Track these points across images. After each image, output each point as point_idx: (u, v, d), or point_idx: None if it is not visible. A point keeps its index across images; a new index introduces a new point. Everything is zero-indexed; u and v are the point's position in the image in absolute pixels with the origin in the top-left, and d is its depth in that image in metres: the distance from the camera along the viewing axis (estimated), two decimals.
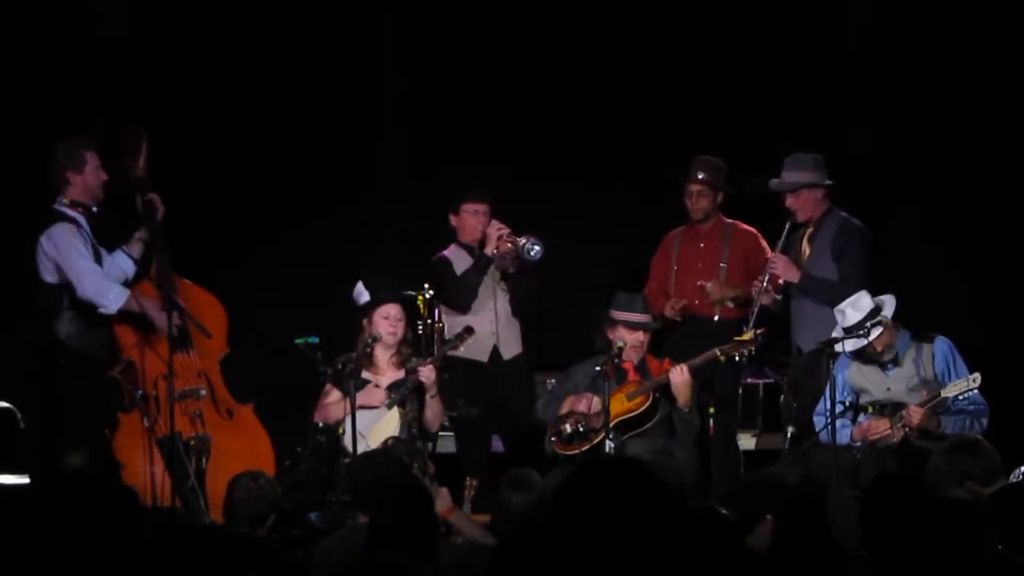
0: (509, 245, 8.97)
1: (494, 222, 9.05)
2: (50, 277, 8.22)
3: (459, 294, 9.11)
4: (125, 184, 8.52)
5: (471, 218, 9.16)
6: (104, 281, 8.24)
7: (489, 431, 9.26)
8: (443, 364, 8.76)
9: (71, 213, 8.26)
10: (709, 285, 9.13)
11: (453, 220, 9.23)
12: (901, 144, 10.04)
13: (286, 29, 10.35)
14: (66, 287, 8.21)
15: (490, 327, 9.13)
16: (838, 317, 8.32)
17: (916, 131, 9.98)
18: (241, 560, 4.87)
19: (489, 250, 9.04)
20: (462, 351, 8.91)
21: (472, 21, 10.52)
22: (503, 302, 9.16)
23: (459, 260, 9.19)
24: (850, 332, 8.24)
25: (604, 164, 10.37)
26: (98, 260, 8.30)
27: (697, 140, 9.59)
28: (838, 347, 8.29)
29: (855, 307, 8.28)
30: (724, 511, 4.85)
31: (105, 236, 8.42)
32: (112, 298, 8.23)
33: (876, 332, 8.24)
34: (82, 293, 8.20)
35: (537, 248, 8.88)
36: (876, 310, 8.28)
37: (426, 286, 10.06)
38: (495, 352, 9.15)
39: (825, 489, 7.08)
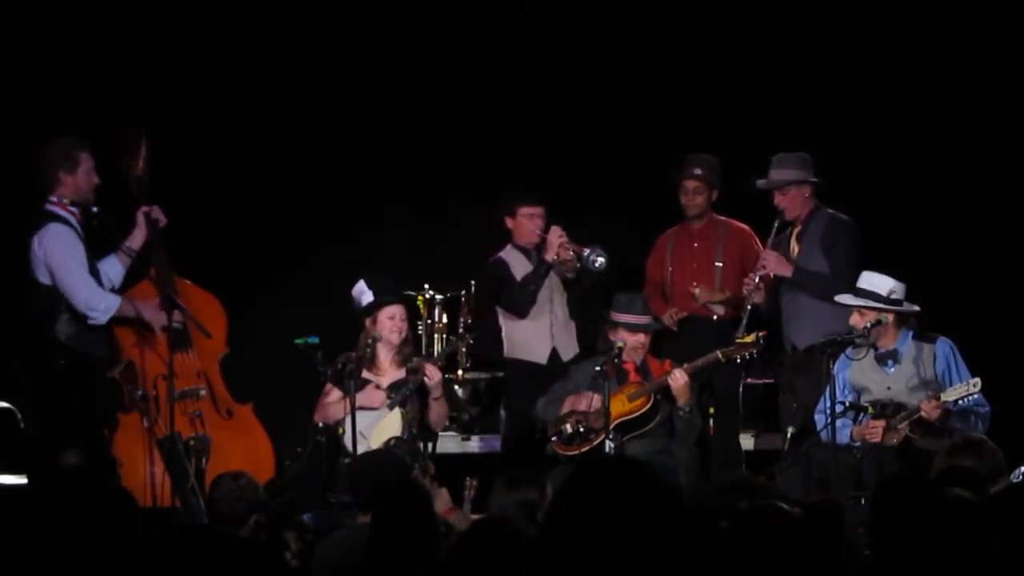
0: (571, 253, 8.97)
1: (555, 228, 9.02)
2: (45, 278, 8.15)
3: (519, 300, 9.10)
4: (125, 184, 8.49)
5: (528, 221, 9.14)
6: (96, 291, 8.15)
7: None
8: (444, 365, 8.78)
9: (63, 213, 8.16)
10: (698, 291, 9.15)
11: (509, 223, 9.21)
12: (901, 144, 10.03)
13: (286, 29, 10.34)
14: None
15: (548, 330, 9.13)
16: (862, 280, 8.31)
17: (916, 131, 9.97)
18: (232, 561, 4.86)
19: (549, 257, 9.02)
20: (517, 353, 9.00)
21: (472, 22, 10.51)
22: (560, 305, 9.17)
23: (515, 262, 9.19)
24: (861, 295, 8.26)
25: (604, 164, 10.36)
26: (91, 263, 8.22)
27: (697, 140, 9.58)
28: (839, 299, 8.32)
29: (881, 279, 8.29)
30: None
31: (103, 238, 8.37)
32: (103, 309, 8.14)
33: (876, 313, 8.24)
34: (73, 302, 8.13)
35: (601, 260, 8.86)
36: (898, 301, 8.28)
37: (426, 286, 10.07)
38: (554, 354, 9.15)
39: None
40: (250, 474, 6.97)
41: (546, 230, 9.08)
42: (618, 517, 3.08)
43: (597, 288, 9.12)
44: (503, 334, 9.27)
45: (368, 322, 8.58)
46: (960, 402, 8.03)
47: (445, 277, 10.00)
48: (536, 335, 9.13)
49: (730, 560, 4.08)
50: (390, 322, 8.54)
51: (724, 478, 7.06)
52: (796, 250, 9.00)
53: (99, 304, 8.14)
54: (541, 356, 9.15)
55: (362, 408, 8.30)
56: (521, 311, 9.12)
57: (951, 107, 9.90)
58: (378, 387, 8.51)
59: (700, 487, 8.10)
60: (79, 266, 8.12)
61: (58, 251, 8.08)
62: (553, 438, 8.74)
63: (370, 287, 8.58)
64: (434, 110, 10.53)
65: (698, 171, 9.25)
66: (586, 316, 9.35)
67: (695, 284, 9.25)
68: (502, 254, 9.25)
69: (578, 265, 8.99)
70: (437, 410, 8.56)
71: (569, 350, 9.21)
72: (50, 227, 8.11)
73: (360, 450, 8.15)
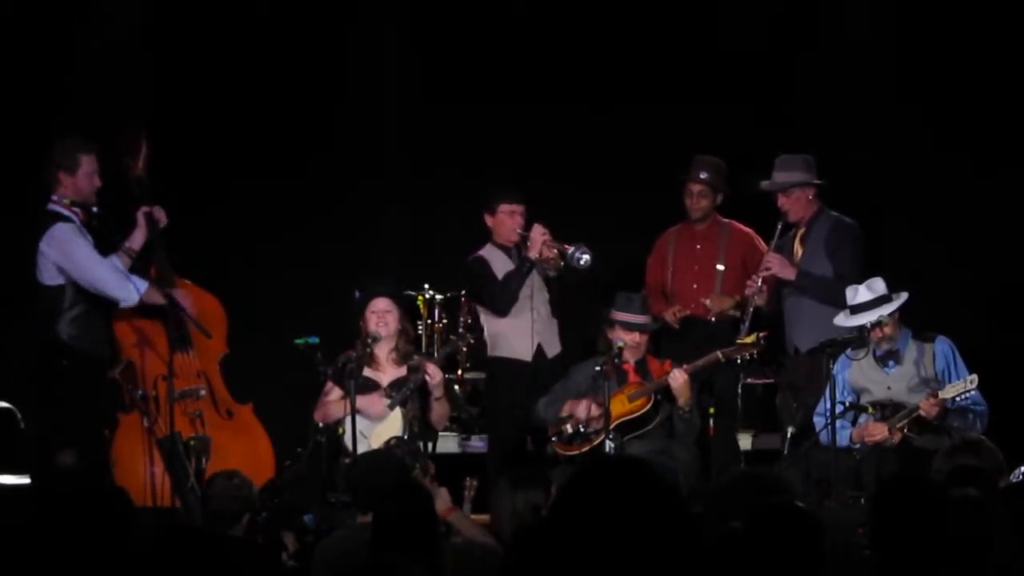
0: (554, 251, 8.93)
1: (537, 226, 8.94)
2: (50, 280, 8.14)
3: (500, 298, 9.04)
4: (125, 184, 8.49)
5: (508, 219, 9.08)
6: (123, 276, 8.17)
7: (523, 429, 9.23)
8: (444, 364, 8.78)
9: (66, 212, 8.13)
10: (708, 302, 9.12)
11: (489, 220, 9.14)
12: (901, 144, 10.03)
13: (287, 30, 10.34)
14: (66, 288, 8.13)
15: (530, 327, 9.07)
16: (849, 294, 8.31)
17: (916, 131, 9.98)
18: (226, 561, 4.87)
19: (533, 254, 8.96)
20: (500, 351, 8.98)
21: (472, 22, 10.51)
22: (542, 303, 9.11)
23: (496, 260, 9.13)
24: (856, 311, 8.25)
25: (604, 164, 10.36)
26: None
27: (697, 140, 9.59)
28: (837, 320, 8.31)
29: (870, 288, 8.29)
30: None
31: (103, 238, 8.36)
32: (132, 289, 8.14)
33: (886, 310, 8.22)
34: (103, 292, 8.11)
35: (586, 257, 8.79)
36: (887, 297, 8.28)
37: (426, 286, 10.07)
38: (539, 351, 9.10)
39: None
40: (244, 474, 6.98)
41: (527, 228, 9.04)
42: (619, 516, 3.09)
43: (580, 286, 9.08)
44: (486, 333, 9.20)
45: (361, 322, 8.59)
46: (957, 399, 8.04)
47: (445, 277, 10.00)
48: (518, 332, 9.06)
49: (746, 560, 4.09)
50: (373, 316, 8.52)
51: (727, 476, 7.04)
52: (800, 253, 8.97)
53: (128, 284, 8.12)
54: (525, 353, 9.08)
55: (362, 412, 8.30)
56: (502, 309, 9.06)
57: (952, 107, 9.90)
58: (380, 393, 8.47)
59: (707, 486, 8.10)
60: (95, 255, 8.11)
61: (73, 248, 8.07)
62: (553, 438, 8.74)
63: (361, 288, 8.62)
64: (434, 110, 10.53)
65: (704, 175, 9.22)
66: (584, 316, 9.35)
67: (696, 286, 9.24)
68: (482, 252, 9.18)
69: (562, 263, 8.95)
70: (439, 410, 8.55)
71: (553, 347, 9.16)
72: (57, 226, 8.09)
73: (360, 450, 8.15)
